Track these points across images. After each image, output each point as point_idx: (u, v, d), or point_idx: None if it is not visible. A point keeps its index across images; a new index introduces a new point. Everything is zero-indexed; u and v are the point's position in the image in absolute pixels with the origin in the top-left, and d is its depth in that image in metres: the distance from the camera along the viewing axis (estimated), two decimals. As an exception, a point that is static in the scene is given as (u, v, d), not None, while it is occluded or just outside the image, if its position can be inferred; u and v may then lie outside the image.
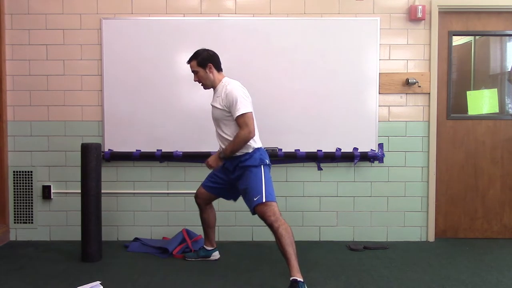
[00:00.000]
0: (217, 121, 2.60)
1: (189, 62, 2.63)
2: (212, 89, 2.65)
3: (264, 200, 2.40)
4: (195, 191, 2.85)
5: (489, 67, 3.51)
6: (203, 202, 2.82)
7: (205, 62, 2.57)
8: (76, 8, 3.27)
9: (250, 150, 2.52)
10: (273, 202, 2.43)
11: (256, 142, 2.54)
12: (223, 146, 2.59)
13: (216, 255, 2.91)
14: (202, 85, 2.65)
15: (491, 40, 3.48)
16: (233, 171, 2.59)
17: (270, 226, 2.37)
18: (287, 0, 3.27)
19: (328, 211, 3.36)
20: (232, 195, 2.79)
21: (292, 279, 2.27)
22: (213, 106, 2.61)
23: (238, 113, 2.43)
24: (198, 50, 2.62)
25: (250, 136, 2.45)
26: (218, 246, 2.96)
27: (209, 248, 2.90)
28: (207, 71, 2.57)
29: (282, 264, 2.41)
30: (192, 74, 2.63)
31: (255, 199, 2.42)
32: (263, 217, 2.40)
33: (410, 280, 2.54)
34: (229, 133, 2.55)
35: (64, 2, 3.27)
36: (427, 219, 3.35)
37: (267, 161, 2.54)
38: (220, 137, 2.62)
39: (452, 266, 2.79)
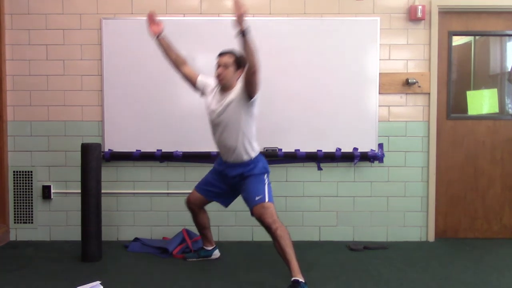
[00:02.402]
0: (231, 121, 2.44)
1: (224, 54, 2.47)
2: (216, 90, 2.55)
3: (266, 200, 2.41)
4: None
5: (489, 67, 3.51)
6: (197, 206, 2.80)
7: (241, 64, 2.44)
8: (76, 8, 3.27)
9: (254, 156, 2.54)
10: (272, 203, 2.44)
11: (257, 147, 2.58)
12: (242, 154, 2.50)
13: (216, 253, 2.92)
14: (219, 80, 2.48)
15: (491, 40, 3.48)
16: (234, 177, 2.58)
17: (268, 227, 2.36)
18: (287, 0, 3.27)
19: (328, 211, 3.35)
20: (226, 200, 2.78)
21: (294, 279, 2.26)
22: (225, 105, 2.45)
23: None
24: (235, 49, 2.46)
25: (256, 68, 2.26)
26: (218, 246, 2.96)
27: (209, 248, 2.90)
28: (238, 72, 2.48)
29: (282, 264, 2.40)
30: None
31: (256, 198, 2.43)
32: (261, 218, 2.39)
33: (410, 280, 2.54)
34: (249, 129, 2.47)
35: (64, 2, 3.27)
36: (427, 219, 3.35)
37: (269, 169, 2.60)
38: (236, 139, 2.46)
39: (452, 266, 2.79)
